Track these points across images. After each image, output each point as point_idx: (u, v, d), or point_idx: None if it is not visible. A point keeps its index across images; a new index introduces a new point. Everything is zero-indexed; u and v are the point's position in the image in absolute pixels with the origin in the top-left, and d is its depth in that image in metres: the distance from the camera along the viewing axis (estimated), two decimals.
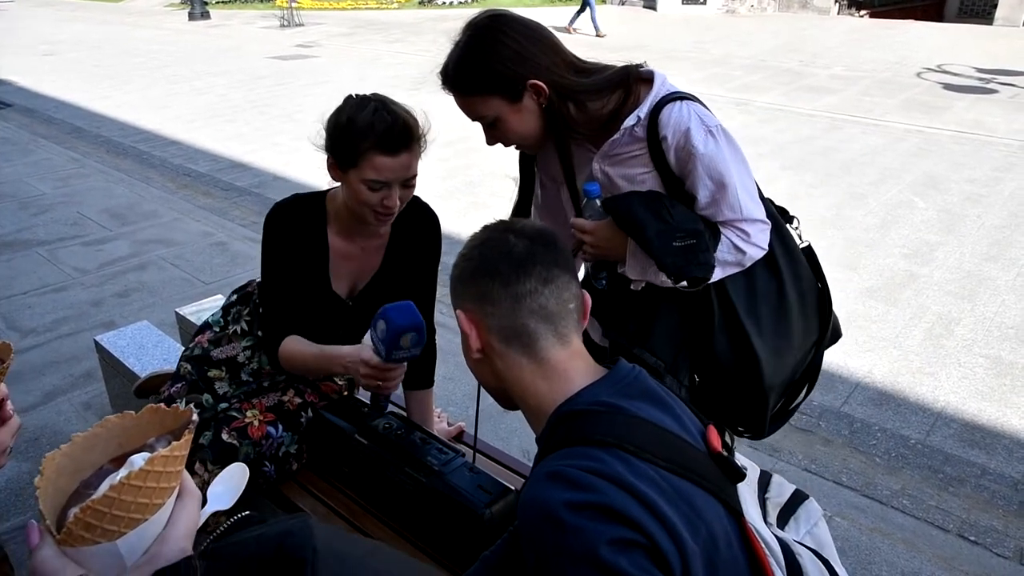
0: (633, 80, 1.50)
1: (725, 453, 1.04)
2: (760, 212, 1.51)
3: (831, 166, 6.38)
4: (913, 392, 3.27)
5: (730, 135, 1.48)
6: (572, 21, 13.93)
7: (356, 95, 1.66)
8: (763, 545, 0.96)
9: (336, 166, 1.65)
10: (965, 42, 12.76)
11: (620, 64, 1.52)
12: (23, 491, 2.65)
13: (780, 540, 1.01)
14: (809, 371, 1.72)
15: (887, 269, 4.34)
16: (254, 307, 1.95)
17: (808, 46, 12.48)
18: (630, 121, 1.47)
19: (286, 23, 16.30)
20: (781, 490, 1.12)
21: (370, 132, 1.56)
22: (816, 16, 16.16)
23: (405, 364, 1.65)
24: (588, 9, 13.75)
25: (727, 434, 1.13)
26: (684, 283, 1.50)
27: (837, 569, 1.03)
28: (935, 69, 10.42)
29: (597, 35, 13.64)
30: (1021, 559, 2.38)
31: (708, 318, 1.57)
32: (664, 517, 0.88)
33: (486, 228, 1.14)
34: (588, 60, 1.54)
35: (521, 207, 1.81)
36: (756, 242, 1.51)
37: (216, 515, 0.77)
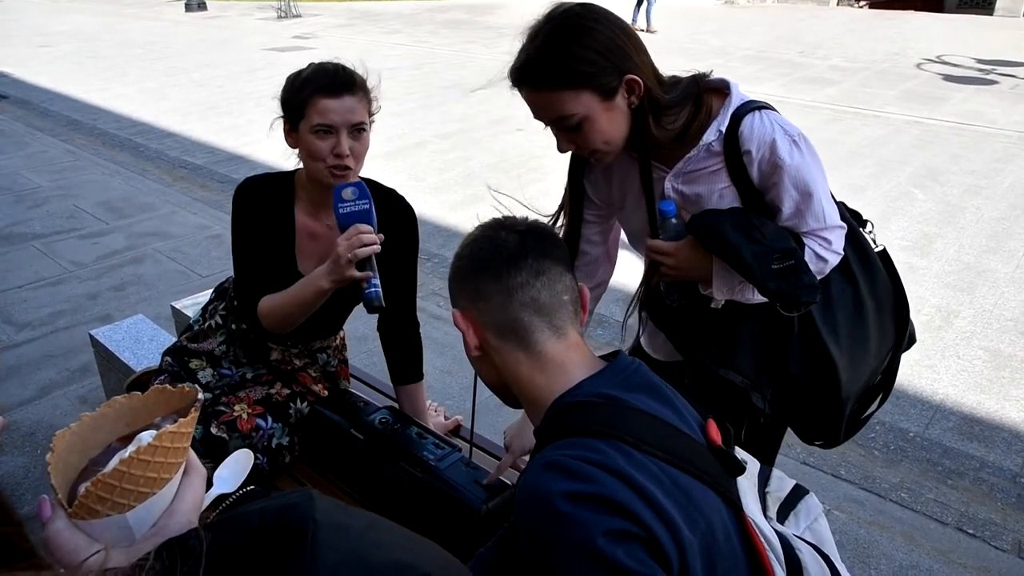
0: (703, 91, 1.41)
1: (725, 447, 1.03)
2: (837, 216, 1.46)
3: (830, 158, 6.36)
4: (912, 385, 3.26)
5: (810, 141, 1.41)
6: (635, 18, 12.93)
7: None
8: (762, 539, 0.96)
9: (290, 129, 1.68)
10: (965, 33, 12.73)
11: (687, 74, 1.44)
12: (19, 485, 2.64)
13: (779, 534, 1.00)
14: (885, 378, 1.66)
15: None
16: (229, 300, 1.94)
17: (807, 37, 12.44)
18: (709, 136, 1.39)
19: (283, 14, 16.23)
20: (781, 484, 1.12)
21: (313, 79, 1.62)
22: (815, 6, 16.11)
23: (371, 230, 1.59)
24: (645, 2, 12.98)
25: (727, 427, 1.11)
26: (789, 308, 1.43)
27: (837, 565, 1.02)
28: (935, 60, 10.40)
29: (647, 30, 12.88)
30: (1019, 552, 2.38)
31: (786, 329, 1.51)
32: (662, 509, 0.88)
33: (479, 226, 1.14)
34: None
35: (571, 235, 1.68)
36: (836, 248, 1.46)
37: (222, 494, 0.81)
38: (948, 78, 9.31)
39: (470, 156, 6.41)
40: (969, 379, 3.30)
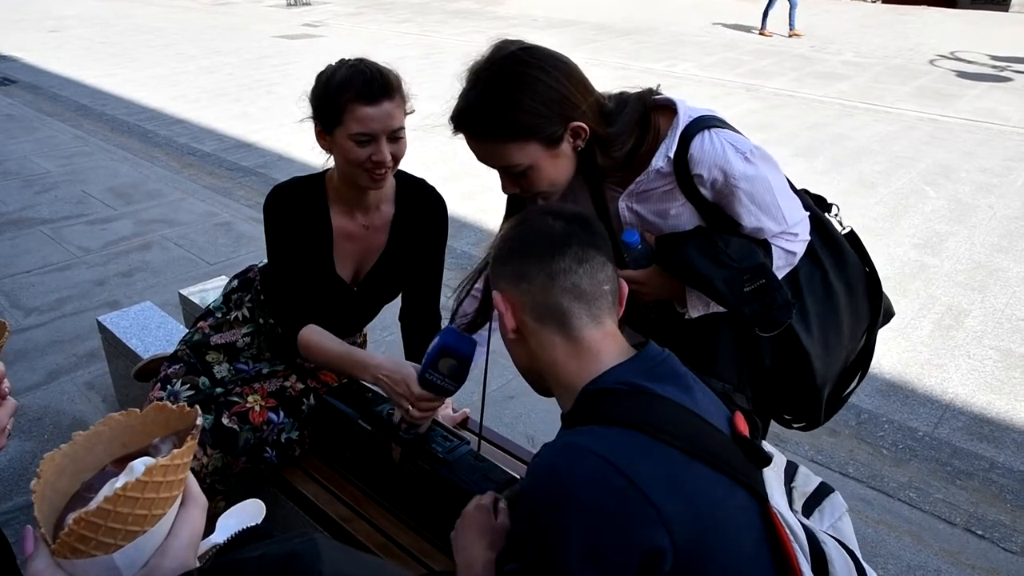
0: (651, 111, 1.39)
1: (752, 438, 1.04)
2: (800, 209, 1.47)
3: (841, 153, 6.32)
4: (921, 384, 3.24)
5: (762, 150, 1.40)
6: (765, 23, 11.80)
7: (334, 62, 1.66)
8: (787, 530, 0.97)
9: (323, 132, 1.64)
10: (979, 29, 12.61)
11: (633, 91, 1.41)
12: (26, 470, 2.64)
13: (805, 527, 1.01)
14: (861, 357, 1.68)
15: (896, 259, 4.30)
16: (255, 294, 1.93)
17: (819, 31, 12.34)
18: (658, 162, 1.37)
19: (293, 2, 16.18)
20: (807, 481, 1.13)
21: (349, 85, 1.57)
22: (828, 0, 15.97)
23: (440, 401, 1.57)
24: (789, 5, 11.54)
25: (755, 420, 1.11)
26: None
27: (862, 562, 1.02)
28: (948, 56, 10.30)
29: (791, 34, 11.66)
30: None
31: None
32: (657, 506, 0.89)
33: (526, 210, 1.16)
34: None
35: None
36: (803, 236, 1.48)
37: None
38: (962, 74, 9.23)
39: None
40: (979, 379, 3.27)
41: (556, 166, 1.34)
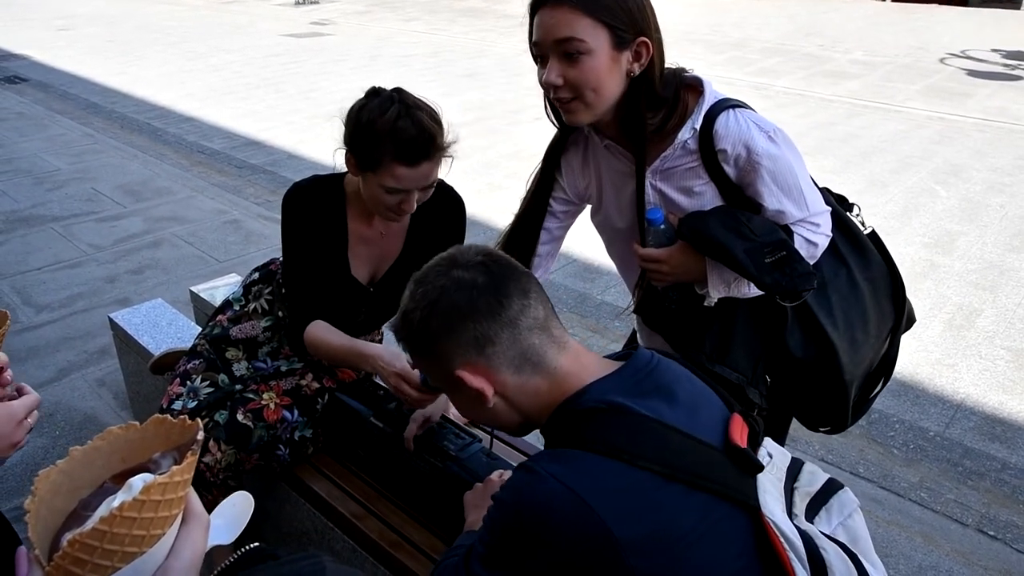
0: (681, 87, 1.41)
1: (746, 442, 1.02)
2: (821, 201, 1.47)
3: (851, 153, 6.29)
4: (932, 383, 3.23)
5: (785, 134, 1.41)
6: None
7: (378, 90, 1.60)
8: (782, 539, 0.95)
9: (357, 166, 1.62)
10: (990, 27, 12.54)
11: (668, 68, 1.42)
12: (38, 467, 2.65)
13: (803, 534, 0.98)
14: (885, 361, 1.66)
15: (907, 258, 4.27)
16: (276, 286, 1.93)
17: (828, 30, 12.29)
18: (684, 135, 1.39)
19: (301, 1, 16.21)
20: (813, 479, 1.09)
21: (391, 141, 1.52)
22: None
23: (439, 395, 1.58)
24: None
25: (755, 420, 1.09)
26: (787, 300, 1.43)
27: (866, 565, 1.00)
28: (959, 55, 10.25)
29: None
30: None
31: (780, 317, 1.51)
32: (619, 538, 0.89)
33: (422, 281, 1.04)
34: None
35: (525, 225, 1.66)
36: (825, 231, 1.47)
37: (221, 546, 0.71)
38: (972, 73, 9.18)
39: (488, 145, 6.38)
40: (991, 379, 3.25)
41: (610, 71, 1.32)
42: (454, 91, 8.43)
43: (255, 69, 9.77)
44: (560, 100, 1.37)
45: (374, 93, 1.60)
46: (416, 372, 1.51)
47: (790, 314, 1.51)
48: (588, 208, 1.69)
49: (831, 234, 1.49)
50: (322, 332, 1.72)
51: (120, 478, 0.63)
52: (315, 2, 16.26)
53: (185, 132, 7.05)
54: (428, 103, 1.61)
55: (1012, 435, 2.90)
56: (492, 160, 6.05)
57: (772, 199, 1.41)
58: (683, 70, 1.44)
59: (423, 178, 1.57)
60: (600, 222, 1.65)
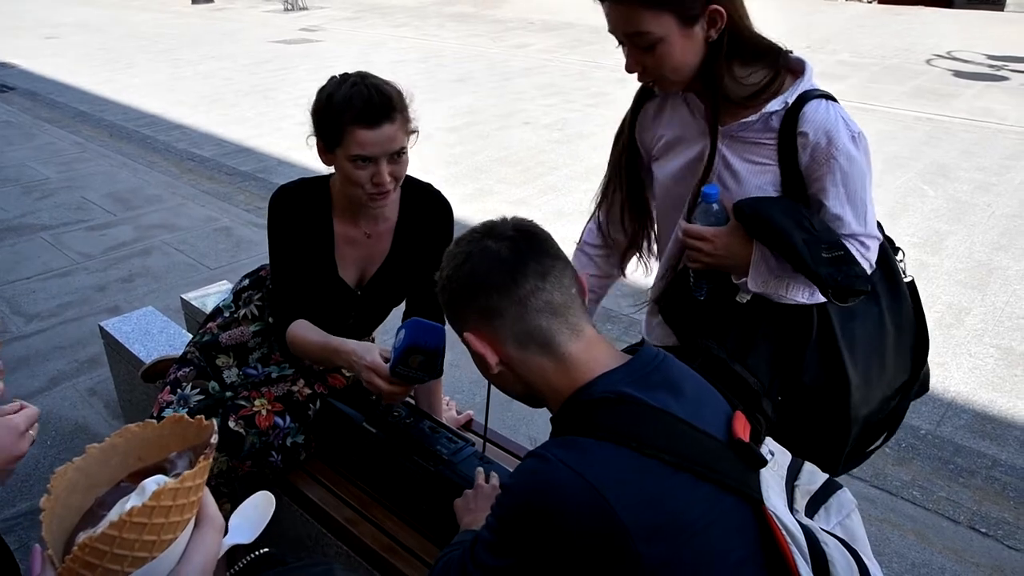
0: (782, 64, 1.37)
1: (748, 439, 1.03)
2: (876, 227, 1.45)
3: None
4: None
5: (867, 143, 1.38)
6: None
7: (338, 75, 1.64)
8: (784, 532, 0.96)
9: (324, 148, 1.63)
10: (976, 28, 12.64)
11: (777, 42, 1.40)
12: (30, 476, 2.64)
13: (804, 527, 1.00)
14: (891, 417, 1.61)
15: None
16: (266, 292, 1.93)
17: (815, 31, 12.37)
18: (774, 105, 1.35)
19: (290, 7, 16.19)
20: (812, 478, 1.11)
21: (349, 107, 1.55)
22: (823, 1, 16.01)
23: (411, 388, 1.59)
24: None
25: (757, 419, 1.11)
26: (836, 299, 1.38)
27: (867, 562, 1.01)
28: (945, 56, 10.32)
29: None
30: None
31: (804, 335, 1.47)
32: (627, 524, 0.91)
33: (461, 242, 1.10)
34: None
35: (634, 198, 1.62)
36: (870, 257, 1.43)
37: (233, 548, 0.71)
38: (958, 74, 9.25)
39: (477, 150, 6.38)
40: (981, 377, 3.28)
41: (685, 48, 1.31)
42: (444, 96, 8.43)
43: (244, 76, 9.75)
44: (647, 80, 1.40)
45: (333, 77, 1.64)
46: (386, 365, 1.52)
47: (814, 335, 1.47)
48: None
49: (875, 265, 1.45)
50: (302, 330, 1.72)
51: (137, 476, 0.63)
52: (304, 8, 16.26)
53: (175, 139, 7.04)
54: (385, 79, 1.63)
55: (1002, 432, 2.92)
56: (482, 164, 6.05)
57: (836, 201, 1.37)
58: (789, 51, 1.41)
59: (387, 140, 1.57)
60: (659, 168, 1.58)
